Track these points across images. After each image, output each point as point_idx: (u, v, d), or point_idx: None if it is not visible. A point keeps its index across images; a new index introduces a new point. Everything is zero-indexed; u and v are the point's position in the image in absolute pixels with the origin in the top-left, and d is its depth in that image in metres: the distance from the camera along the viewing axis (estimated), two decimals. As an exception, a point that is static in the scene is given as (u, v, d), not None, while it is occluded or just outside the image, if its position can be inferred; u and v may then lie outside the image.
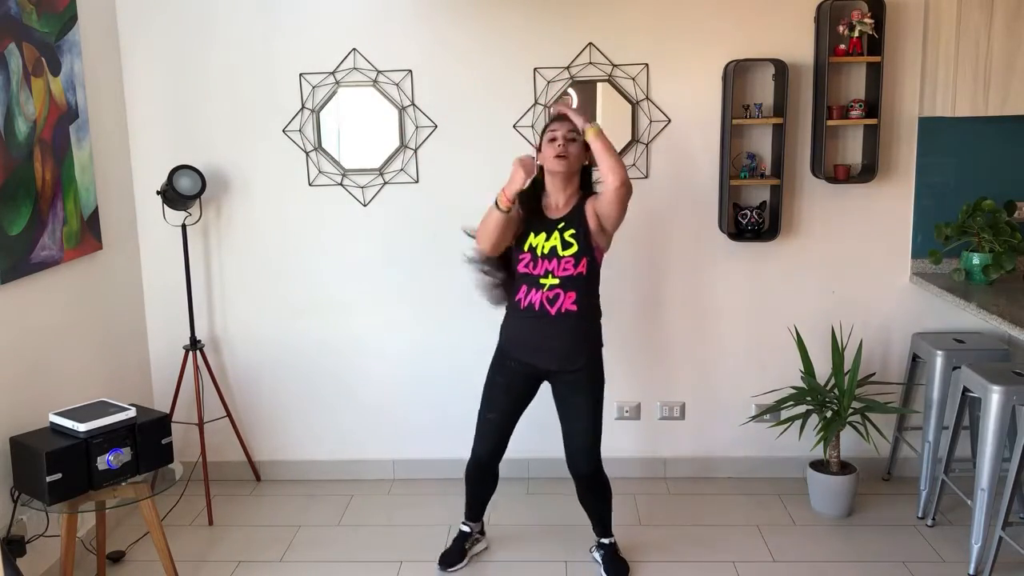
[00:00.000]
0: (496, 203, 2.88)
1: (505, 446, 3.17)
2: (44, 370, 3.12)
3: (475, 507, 3.32)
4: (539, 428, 3.78)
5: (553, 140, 2.91)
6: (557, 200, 2.99)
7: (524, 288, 2.98)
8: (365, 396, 3.97)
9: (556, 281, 2.92)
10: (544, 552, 3.35)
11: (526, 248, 2.96)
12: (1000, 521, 2.95)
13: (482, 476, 3.23)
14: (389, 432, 4.00)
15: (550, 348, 2.99)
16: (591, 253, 2.93)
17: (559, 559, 3.30)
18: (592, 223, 2.91)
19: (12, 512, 2.86)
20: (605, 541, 3.24)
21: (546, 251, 2.93)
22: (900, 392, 3.80)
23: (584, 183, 3.03)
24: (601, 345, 3.06)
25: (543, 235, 2.95)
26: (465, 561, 3.28)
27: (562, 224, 2.94)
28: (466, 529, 3.33)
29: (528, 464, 3.95)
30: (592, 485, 3.13)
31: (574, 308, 2.93)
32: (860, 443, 3.67)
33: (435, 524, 3.58)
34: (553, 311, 2.93)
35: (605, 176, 2.81)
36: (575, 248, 2.90)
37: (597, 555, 3.26)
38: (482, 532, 3.40)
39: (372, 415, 3.99)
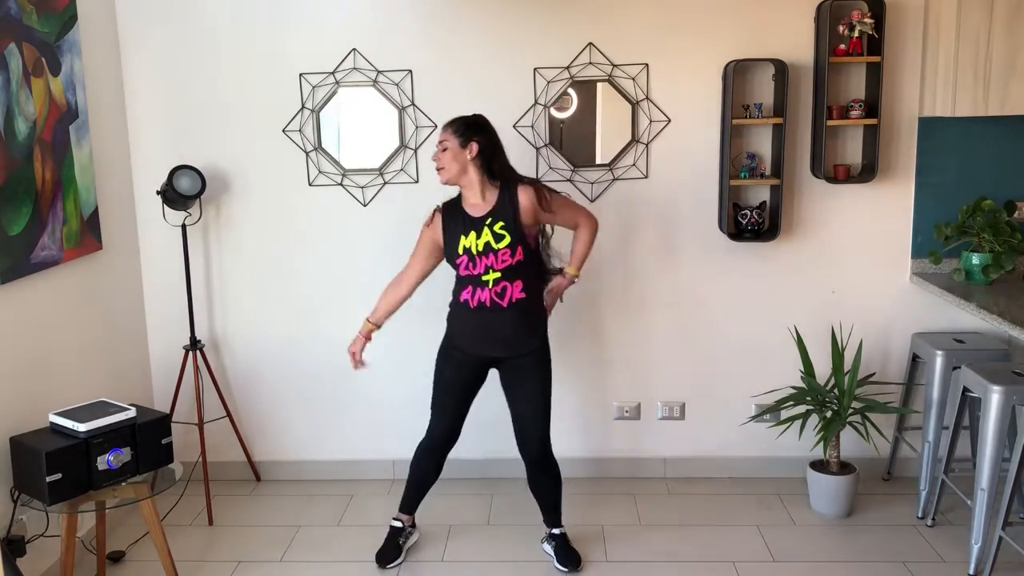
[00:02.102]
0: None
1: (457, 435, 3.23)
2: (44, 370, 3.12)
3: (414, 498, 3.35)
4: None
5: (439, 168, 3.05)
6: (475, 199, 3.04)
7: (470, 288, 3.03)
8: (365, 396, 3.97)
9: (498, 275, 2.97)
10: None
11: (461, 251, 3.01)
12: (1000, 521, 2.95)
13: (432, 463, 3.27)
14: (389, 432, 3.99)
15: (503, 338, 3.05)
16: (523, 240, 2.99)
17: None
18: (528, 220, 2.98)
19: (12, 512, 2.86)
20: (556, 532, 3.27)
21: (480, 248, 2.98)
22: (900, 392, 3.80)
23: (492, 171, 3.03)
24: (546, 327, 3.15)
25: (473, 234, 2.99)
26: (402, 557, 3.30)
27: (489, 219, 2.98)
28: (398, 524, 3.34)
29: (525, 464, 3.94)
30: (545, 468, 3.19)
31: (523, 296, 3.01)
32: (860, 443, 3.67)
33: (435, 524, 3.58)
34: (504, 303, 3.00)
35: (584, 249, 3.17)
36: (507, 239, 2.96)
37: (548, 547, 3.29)
38: (413, 525, 3.41)
39: (372, 415, 3.99)
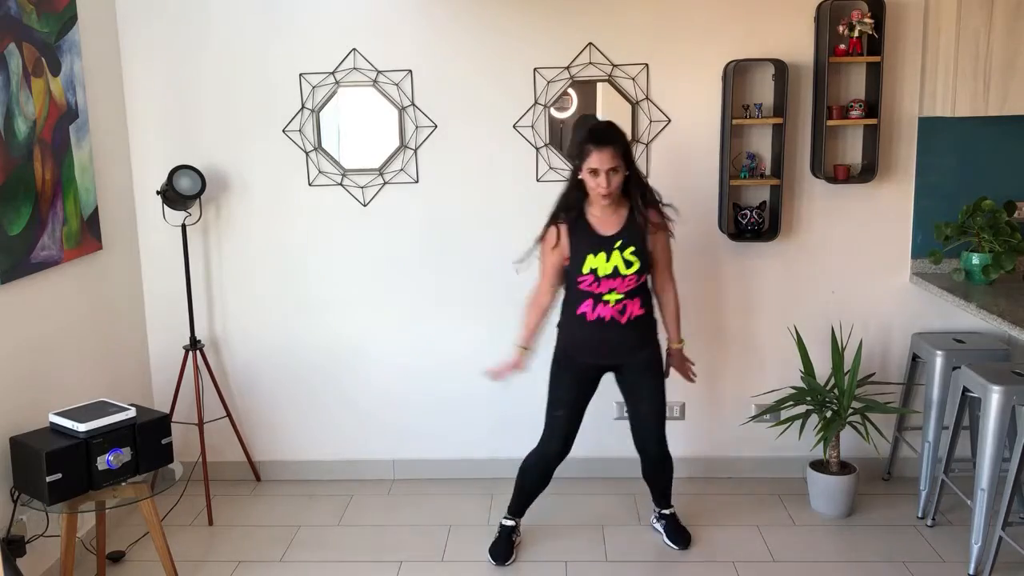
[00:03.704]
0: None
1: (572, 443, 3.23)
2: (44, 370, 3.12)
3: (523, 503, 3.36)
4: (540, 428, 3.77)
5: (595, 172, 2.92)
6: (606, 215, 3.01)
7: (589, 302, 3.03)
8: (365, 396, 3.97)
9: (620, 296, 2.99)
10: (544, 552, 3.35)
11: (586, 271, 2.99)
12: (1000, 521, 2.95)
13: (544, 472, 3.27)
14: (389, 432, 3.99)
15: (622, 348, 3.10)
16: (649, 265, 3.03)
17: (559, 559, 3.30)
18: (650, 242, 3.00)
19: (12, 512, 2.86)
20: (667, 512, 3.38)
21: (608, 272, 2.97)
22: (900, 392, 3.80)
23: (628, 187, 3.01)
24: (658, 330, 3.21)
25: (602, 255, 2.97)
26: (515, 555, 3.32)
27: (619, 243, 2.97)
28: (511, 523, 3.37)
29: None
30: (661, 462, 3.27)
31: (642, 312, 3.06)
32: (860, 443, 3.67)
33: (435, 524, 3.58)
34: (624, 320, 3.03)
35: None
36: (636, 266, 2.98)
37: (658, 524, 3.42)
38: (519, 525, 3.44)
39: (372, 415, 3.99)
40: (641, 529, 3.51)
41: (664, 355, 3.24)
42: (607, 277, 2.97)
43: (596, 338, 3.07)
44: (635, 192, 3.01)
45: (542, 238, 3.09)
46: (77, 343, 3.34)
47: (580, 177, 2.99)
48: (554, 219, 3.07)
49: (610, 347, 3.09)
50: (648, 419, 3.19)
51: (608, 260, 2.96)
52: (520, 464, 3.31)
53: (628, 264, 2.96)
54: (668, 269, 3.17)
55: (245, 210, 3.84)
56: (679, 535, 3.36)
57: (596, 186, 2.93)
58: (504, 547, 3.30)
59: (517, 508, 3.36)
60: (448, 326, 3.88)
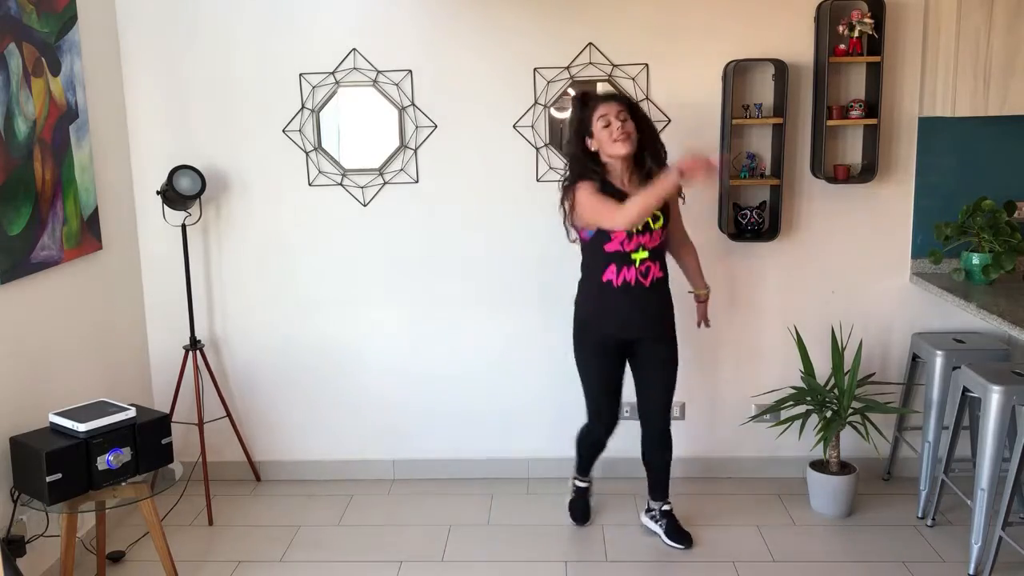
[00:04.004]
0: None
1: (618, 418, 3.32)
2: (44, 370, 3.12)
3: (588, 465, 3.50)
4: (540, 428, 3.79)
5: (608, 125, 2.94)
6: (629, 176, 3.03)
7: (614, 267, 3.04)
8: (365, 396, 3.97)
9: (646, 254, 3.01)
10: (544, 552, 3.35)
11: None
12: (1000, 521, 2.95)
13: (598, 447, 3.41)
14: (389, 432, 3.99)
15: (645, 317, 3.11)
16: (668, 220, 3.09)
17: (559, 559, 3.30)
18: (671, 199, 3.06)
19: (12, 512, 2.86)
20: (666, 508, 3.40)
21: (639, 227, 2.98)
22: (900, 392, 3.80)
23: (643, 155, 3.03)
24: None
25: None
26: (592, 516, 3.51)
27: None
28: (584, 484, 3.52)
29: (528, 464, 3.94)
30: (664, 443, 3.30)
31: (661, 275, 3.10)
32: (860, 443, 3.67)
33: (435, 524, 3.58)
34: (648, 282, 3.05)
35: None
36: (662, 220, 3.03)
37: (656, 525, 3.41)
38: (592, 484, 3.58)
39: (372, 415, 3.98)
40: (641, 529, 3.51)
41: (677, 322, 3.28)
42: (638, 232, 2.99)
43: (623, 304, 3.07)
44: (649, 152, 3.03)
45: (571, 195, 3.01)
46: (77, 343, 3.34)
47: (591, 147, 3.00)
48: (579, 178, 3.02)
49: (637, 314, 3.08)
50: (659, 397, 3.23)
51: None
52: (576, 435, 3.42)
53: (655, 218, 3.00)
54: (683, 227, 3.27)
55: (245, 210, 3.84)
56: (680, 534, 3.36)
57: (611, 134, 2.92)
58: (584, 507, 3.51)
59: (583, 469, 3.50)
60: (448, 326, 3.88)
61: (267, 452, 4.05)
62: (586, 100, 3.05)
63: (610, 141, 2.95)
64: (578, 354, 3.24)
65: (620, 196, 2.96)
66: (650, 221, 2.99)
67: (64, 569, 2.85)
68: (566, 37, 3.64)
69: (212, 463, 3.89)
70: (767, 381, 3.83)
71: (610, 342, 3.17)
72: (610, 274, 3.05)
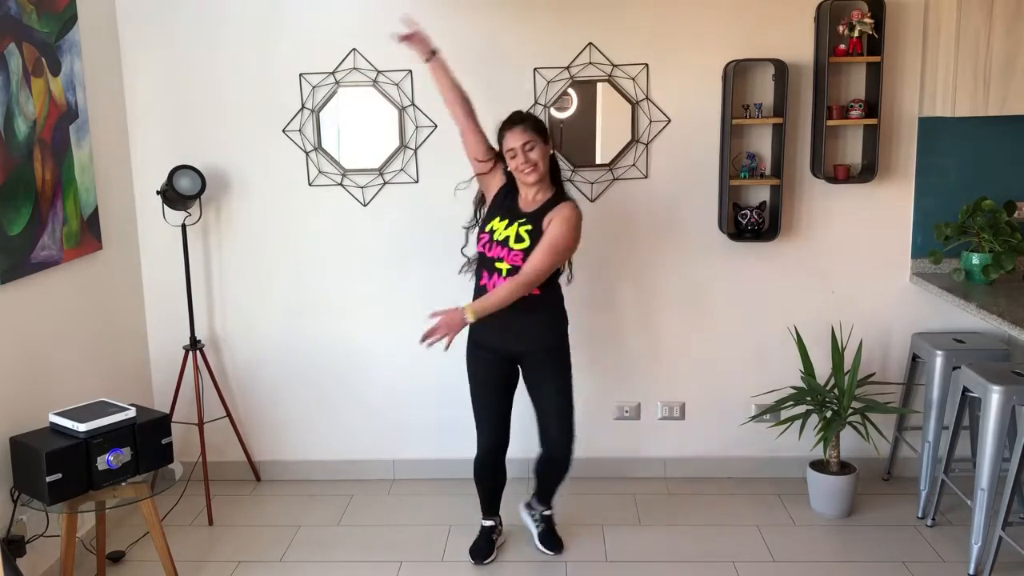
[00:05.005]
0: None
1: (507, 436, 3.20)
2: (44, 370, 3.12)
3: (489, 503, 3.35)
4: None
5: (514, 157, 2.95)
6: (528, 195, 3.03)
7: (485, 273, 3.03)
8: (365, 396, 3.97)
9: (508, 267, 2.95)
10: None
11: (486, 229, 3.02)
12: (1000, 521, 2.95)
13: (490, 471, 3.27)
14: (389, 432, 4.00)
15: (516, 329, 3.02)
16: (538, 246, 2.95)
17: (559, 559, 3.31)
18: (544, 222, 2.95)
19: (12, 512, 2.86)
20: (547, 512, 3.34)
21: (500, 239, 2.97)
22: (900, 392, 3.80)
23: (554, 177, 3.07)
24: (567, 325, 3.12)
25: (505, 222, 2.99)
26: (495, 554, 3.32)
27: (523, 219, 2.98)
28: (489, 523, 3.36)
29: (527, 465, 3.93)
30: (561, 464, 3.20)
31: (536, 292, 2.96)
32: (860, 443, 3.67)
33: (435, 524, 3.58)
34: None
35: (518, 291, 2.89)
36: (526, 244, 2.94)
37: (530, 520, 3.37)
38: (500, 524, 3.42)
39: (372, 415, 3.99)
40: (641, 529, 3.51)
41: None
42: (497, 243, 2.96)
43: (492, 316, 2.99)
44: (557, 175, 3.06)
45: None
46: (77, 343, 3.34)
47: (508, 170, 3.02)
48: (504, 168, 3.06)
49: (507, 324, 2.97)
50: (549, 417, 3.12)
51: (507, 228, 2.96)
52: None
53: (519, 239, 2.94)
54: (537, 253, 2.90)
55: (245, 210, 3.84)
56: (555, 542, 3.33)
57: (518, 165, 2.94)
58: (485, 545, 3.32)
59: (486, 509, 3.36)
60: (448, 326, 3.88)
61: (267, 452, 4.05)
62: (501, 127, 3.03)
63: (518, 172, 2.97)
64: (468, 368, 3.19)
65: (510, 203, 3.02)
66: (511, 238, 2.94)
67: (64, 569, 2.85)
68: (566, 37, 3.64)
69: (212, 463, 3.89)
70: (767, 381, 3.83)
71: (493, 357, 3.10)
72: (484, 279, 3.02)
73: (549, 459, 3.20)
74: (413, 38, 3.13)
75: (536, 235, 2.93)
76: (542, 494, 3.34)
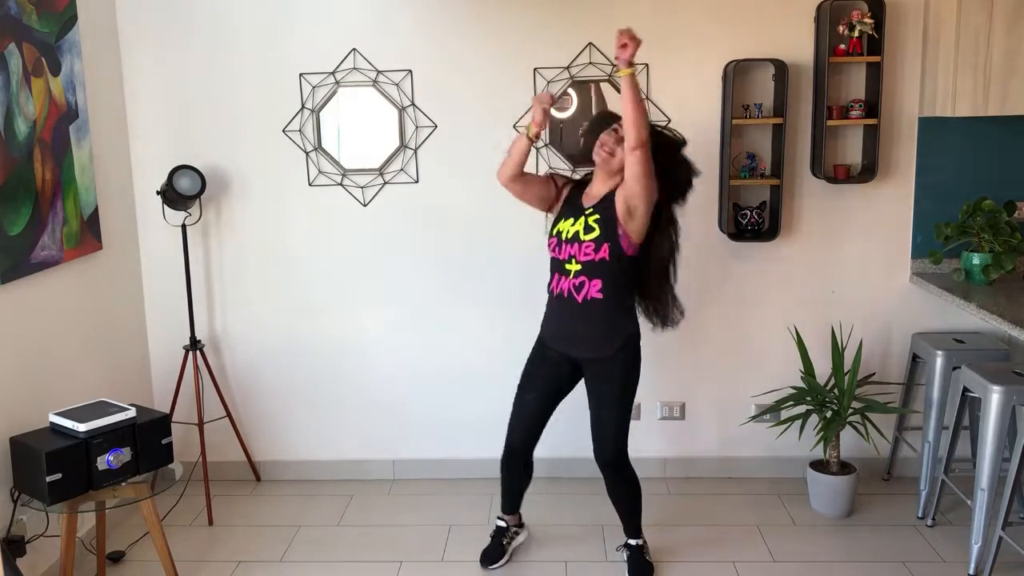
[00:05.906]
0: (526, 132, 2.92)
1: (538, 434, 3.16)
2: (44, 370, 3.12)
3: (509, 499, 3.31)
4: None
5: (602, 145, 2.91)
6: (598, 189, 2.99)
7: (556, 275, 3.00)
8: (365, 396, 3.97)
9: (579, 267, 2.90)
10: (544, 552, 3.35)
11: (554, 232, 2.99)
12: (1000, 521, 2.95)
13: (515, 465, 3.21)
14: (389, 432, 4.00)
15: (581, 336, 2.98)
16: (615, 239, 2.86)
17: (559, 559, 3.31)
18: (620, 208, 2.85)
19: (12, 512, 2.86)
20: (632, 543, 3.19)
21: (569, 235, 2.93)
22: (900, 392, 3.80)
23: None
24: (637, 336, 3.02)
25: (571, 220, 2.96)
26: (506, 557, 3.28)
27: (590, 210, 2.94)
28: (502, 524, 3.32)
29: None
30: (617, 477, 3.10)
31: (600, 296, 2.89)
32: (860, 443, 3.67)
33: (435, 524, 3.58)
34: (580, 298, 2.91)
35: (626, 133, 2.74)
36: (596, 232, 2.87)
37: (624, 555, 3.23)
38: (520, 524, 3.38)
39: (372, 415, 3.99)
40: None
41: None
42: (567, 242, 2.93)
43: (556, 314, 3.00)
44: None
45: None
46: (77, 343, 3.34)
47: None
48: (565, 176, 3.15)
49: (566, 327, 2.98)
50: (602, 425, 3.03)
51: (574, 224, 2.94)
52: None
53: (588, 230, 2.89)
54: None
55: (245, 210, 3.84)
56: (640, 569, 3.15)
57: (603, 154, 2.90)
58: (495, 549, 3.27)
59: (506, 506, 3.32)
60: (447, 326, 3.88)
61: (267, 452, 4.05)
62: (595, 129, 3.05)
63: (605, 157, 2.91)
64: (528, 358, 3.16)
65: (576, 203, 3.00)
66: (580, 232, 2.89)
67: (64, 569, 2.85)
68: (566, 37, 3.64)
69: (212, 463, 3.89)
70: (767, 381, 3.83)
71: (551, 355, 3.07)
72: (553, 281, 3.01)
73: (606, 470, 3.09)
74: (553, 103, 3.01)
75: (606, 220, 2.87)
76: (623, 521, 3.19)
